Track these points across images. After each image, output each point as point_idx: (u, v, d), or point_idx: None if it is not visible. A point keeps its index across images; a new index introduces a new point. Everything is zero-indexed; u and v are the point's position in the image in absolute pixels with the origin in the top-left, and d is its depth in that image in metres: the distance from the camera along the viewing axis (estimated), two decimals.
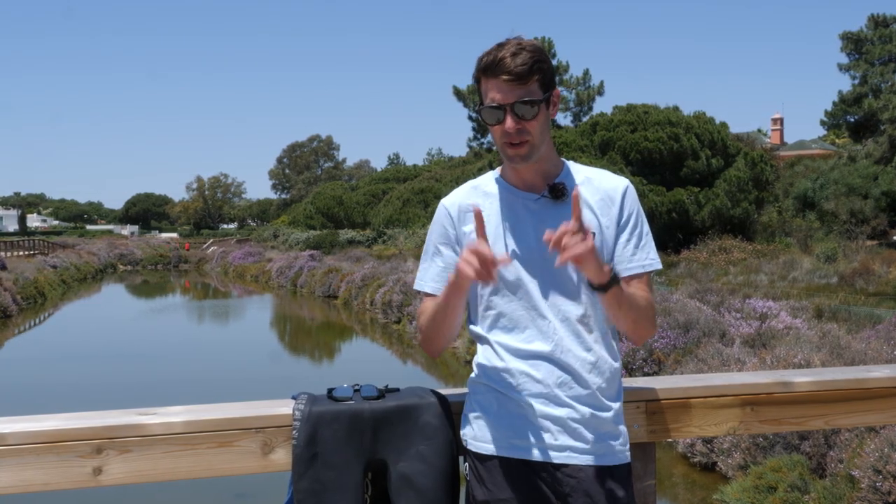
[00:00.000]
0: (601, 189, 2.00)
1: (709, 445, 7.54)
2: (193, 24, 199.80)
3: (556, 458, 1.93)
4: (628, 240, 1.99)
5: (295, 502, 1.90)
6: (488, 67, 1.88)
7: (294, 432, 1.91)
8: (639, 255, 2.00)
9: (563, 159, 2.05)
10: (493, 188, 2.05)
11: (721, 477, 7.20)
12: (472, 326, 2.08)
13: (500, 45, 1.90)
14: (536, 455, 1.93)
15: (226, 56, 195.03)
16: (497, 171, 2.07)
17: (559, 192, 1.96)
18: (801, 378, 2.28)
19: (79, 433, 1.85)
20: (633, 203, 2.01)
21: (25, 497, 1.92)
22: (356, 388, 2.03)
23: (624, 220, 1.99)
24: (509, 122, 1.89)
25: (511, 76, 1.86)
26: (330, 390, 2.01)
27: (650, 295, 2.00)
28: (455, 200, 2.07)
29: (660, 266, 2.03)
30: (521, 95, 1.87)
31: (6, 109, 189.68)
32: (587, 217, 1.95)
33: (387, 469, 1.94)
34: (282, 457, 1.95)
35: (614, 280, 1.83)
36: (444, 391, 2.09)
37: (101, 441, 1.86)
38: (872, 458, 5.55)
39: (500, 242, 1.98)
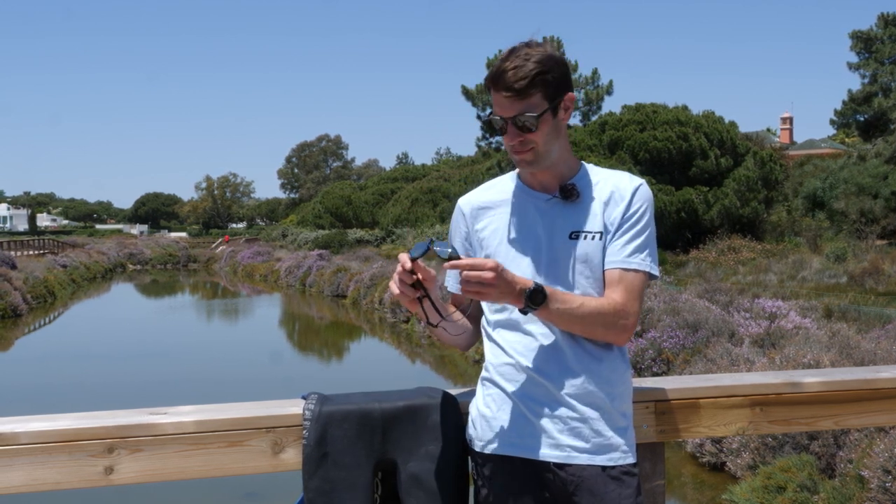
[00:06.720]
0: (613, 188, 1.98)
1: (718, 445, 7.53)
2: (201, 23, 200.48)
3: (558, 457, 1.92)
4: (622, 234, 1.94)
5: (306, 502, 1.91)
6: (492, 80, 1.89)
7: (304, 432, 1.92)
8: (626, 252, 1.93)
9: (583, 162, 2.04)
10: (509, 186, 2.06)
11: (730, 477, 7.18)
12: (483, 324, 2.09)
13: (510, 53, 1.89)
14: (538, 454, 1.93)
15: (234, 55, 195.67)
16: (517, 170, 2.08)
17: (570, 193, 1.96)
18: (811, 378, 2.28)
19: (90, 432, 1.86)
20: (642, 202, 1.96)
21: (37, 496, 1.93)
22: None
23: (628, 215, 1.95)
24: (510, 135, 1.90)
25: (510, 92, 1.86)
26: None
27: (622, 298, 1.90)
28: (469, 199, 2.11)
29: (649, 270, 1.94)
30: (521, 110, 1.87)
31: (17, 110, 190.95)
32: (594, 217, 1.95)
33: (396, 469, 1.95)
34: (292, 456, 1.96)
35: (531, 303, 1.80)
36: (453, 391, 2.10)
37: (113, 440, 1.87)
38: (882, 458, 5.53)
39: (506, 241, 2.00)
